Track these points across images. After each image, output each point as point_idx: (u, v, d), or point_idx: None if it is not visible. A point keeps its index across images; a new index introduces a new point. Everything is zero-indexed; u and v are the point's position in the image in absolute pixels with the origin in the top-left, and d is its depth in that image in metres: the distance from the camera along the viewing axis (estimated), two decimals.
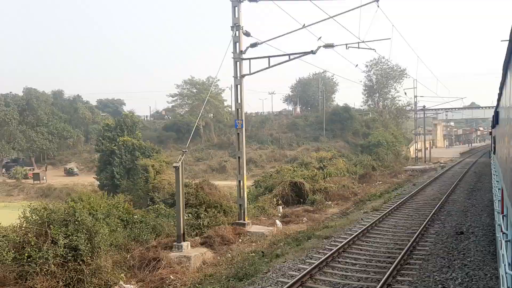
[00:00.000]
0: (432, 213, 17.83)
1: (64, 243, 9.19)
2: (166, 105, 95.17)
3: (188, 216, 15.08)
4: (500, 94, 8.03)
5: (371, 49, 17.17)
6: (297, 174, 27.02)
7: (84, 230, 9.66)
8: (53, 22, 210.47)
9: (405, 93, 55.74)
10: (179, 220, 12.21)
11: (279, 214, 19.75)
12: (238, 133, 15.61)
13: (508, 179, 4.84)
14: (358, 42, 15.82)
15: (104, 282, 9.37)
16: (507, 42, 4.00)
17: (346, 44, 15.55)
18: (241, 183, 15.71)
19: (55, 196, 56.05)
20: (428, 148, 59.84)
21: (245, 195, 15.76)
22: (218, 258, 12.62)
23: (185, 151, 12.66)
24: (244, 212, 15.55)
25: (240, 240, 14.38)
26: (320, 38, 15.97)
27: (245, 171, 15.88)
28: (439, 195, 23.83)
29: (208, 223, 15.01)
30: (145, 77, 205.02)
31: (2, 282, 8.31)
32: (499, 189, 8.65)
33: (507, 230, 4.96)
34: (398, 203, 20.99)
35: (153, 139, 67.96)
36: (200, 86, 79.98)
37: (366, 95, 79.66)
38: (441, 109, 74.87)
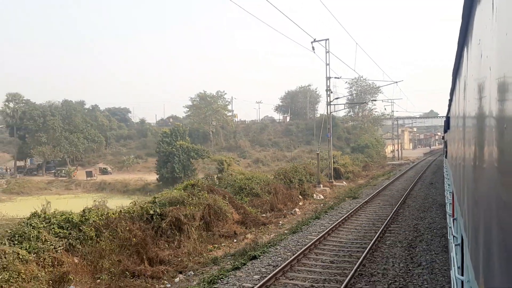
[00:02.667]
0: (416, 180, 35.69)
1: (297, 179, 26.15)
2: (168, 113, 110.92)
3: (308, 178, 32.11)
4: (450, 100, 8.04)
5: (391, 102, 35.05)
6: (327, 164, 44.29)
7: (300, 174, 26.71)
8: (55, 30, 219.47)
9: (385, 109, 74.51)
10: (318, 175, 29.43)
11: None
12: (329, 140, 33.14)
13: (458, 183, 4.88)
14: (389, 99, 33.59)
15: (311, 192, 26.45)
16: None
17: (382, 100, 33.33)
18: (329, 163, 33.14)
19: (111, 189, 71.03)
20: (400, 150, 79.10)
21: (332, 169, 33.14)
22: (333, 191, 29.90)
23: (318, 151, 29.82)
24: (332, 176, 32.94)
25: (333, 187, 31.69)
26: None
27: (331, 157, 33.29)
28: (416, 174, 41.93)
29: (315, 181, 32.14)
30: (145, 88, 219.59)
31: (285, 186, 25.04)
32: (450, 192, 8.80)
33: (456, 233, 4.96)
34: (396, 177, 38.91)
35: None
36: (211, 98, 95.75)
37: (349, 107, 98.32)
38: (409, 117, 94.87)
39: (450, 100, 8.23)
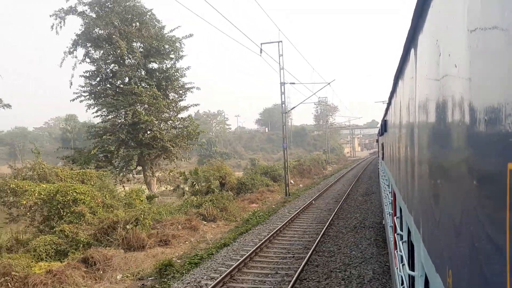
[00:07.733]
0: (368, 163, 70.65)
1: (321, 161, 59.77)
2: None
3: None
4: (389, 104, 8.42)
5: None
6: (318, 159, 78.47)
7: (320, 159, 60.43)
8: None
9: (344, 124, 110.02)
10: (326, 161, 63.36)
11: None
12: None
13: (401, 184, 5.08)
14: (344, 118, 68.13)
15: (326, 167, 60.26)
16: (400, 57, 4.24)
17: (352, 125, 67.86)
18: (328, 157, 67.25)
19: None
20: (353, 151, 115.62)
21: (329, 159, 67.16)
22: (332, 168, 63.98)
23: (324, 149, 63.71)
24: (329, 162, 67.02)
25: (332, 166, 65.76)
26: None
27: (329, 151, 67.33)
28: (367, 163, 77.06)
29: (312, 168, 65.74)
30: None
31: (316, 163, 58.35)
32: (390, 192, 9.23)
33: (401, 231, 5.22)
34: (357, 163, 73.93)
35: None
36: (212, 117, 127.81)
37: (315, 120, 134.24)
38: (358, 127, 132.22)
39: (389, 104, 8.42)
